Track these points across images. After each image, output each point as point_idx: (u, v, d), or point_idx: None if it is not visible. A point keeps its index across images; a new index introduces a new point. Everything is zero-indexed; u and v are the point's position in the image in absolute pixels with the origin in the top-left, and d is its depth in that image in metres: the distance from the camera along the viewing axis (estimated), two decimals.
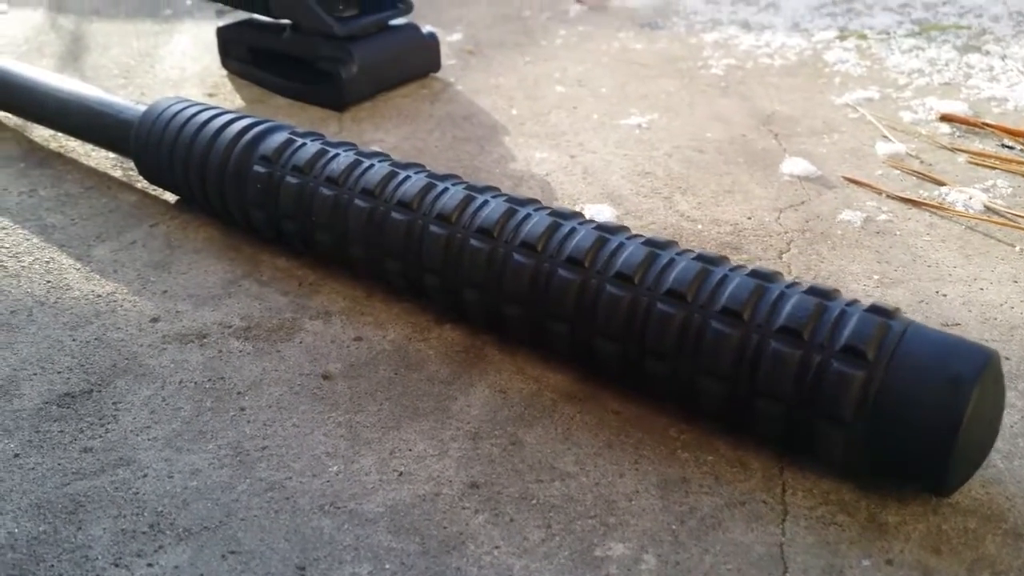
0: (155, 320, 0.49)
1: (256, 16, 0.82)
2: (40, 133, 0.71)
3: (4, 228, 0.58)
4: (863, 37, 0.91)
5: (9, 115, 0.73)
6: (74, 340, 0.48)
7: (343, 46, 0.74)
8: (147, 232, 0.58)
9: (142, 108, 0.61)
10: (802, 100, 0.77)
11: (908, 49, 0.87)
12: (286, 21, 0.78)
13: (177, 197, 0.61)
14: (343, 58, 0.74)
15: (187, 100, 0.60)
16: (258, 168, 0.53)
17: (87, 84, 0.66)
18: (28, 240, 0.57)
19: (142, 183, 0.63)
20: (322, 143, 0.53)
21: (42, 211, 0.60)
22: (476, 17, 0.98)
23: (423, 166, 0.51)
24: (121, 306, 0.50)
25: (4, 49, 0.89)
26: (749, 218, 0.58)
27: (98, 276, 0.53)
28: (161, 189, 0.62)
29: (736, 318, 0.38)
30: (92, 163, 0.66)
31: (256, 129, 0.55)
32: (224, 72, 0.83)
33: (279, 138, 0.53)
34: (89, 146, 0.68)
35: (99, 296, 0.51)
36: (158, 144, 0.57)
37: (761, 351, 0.37)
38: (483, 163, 0.66)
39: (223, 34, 0.82)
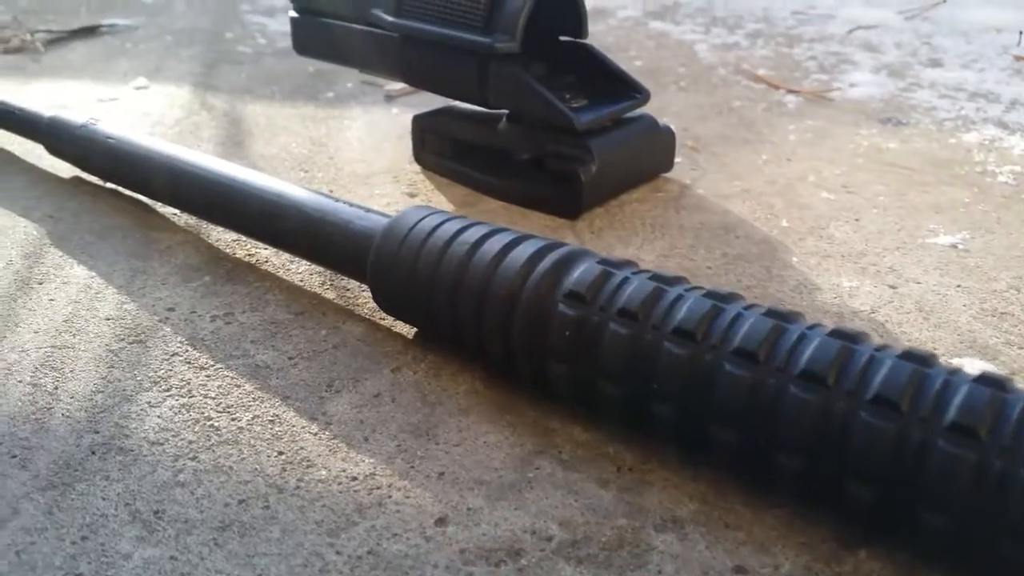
0: (442, 522, 0.36)
1: (458, 103, 0.71)
2: (221, 236, 0.59)
3: (204, 368, 0.45)
4: None
5: (179, 211, 0.62)
6: (339, 554, 0.34)
7: (581, 142, 0.61)
8: (390, 380, 0.44)
9: (378, 218, 0.48)
10: None
11: None
12: (501, 111, 0.66)
13: (414, 329, 0.48)
14: (582, 156, 0.61)
15: (440, 211, 0.47)
16: (565, 309, 0.39)
17: (288, 182, 0.54)
18: (239, 387, 0.44)
19: (364, 308, 0.51)
20: (650, 277, 0.39)
21: (247, 344, 0.47)
22: (681, 107, 0.85)
23: (801, 315, 0.37)
24: (389, 496, 0.37)
25: (154, 130, 0.79)
26: None
27: (344, 446, 0.40)
28: (391, 317, 0.49)
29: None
30: (294, 278, 0.54)
31: (553, 255, 0.42)
32: (417, 167, 0.71)
33: (590, 269, 0.40)
34: (285, 255, 0.56)
35: (355, 479, 0.38)
36: (410, 269, 0.44)
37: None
38: (781, 292, 0.52)
39: (420, 123, 0.71)
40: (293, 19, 0.74)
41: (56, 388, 0.44)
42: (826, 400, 0.33)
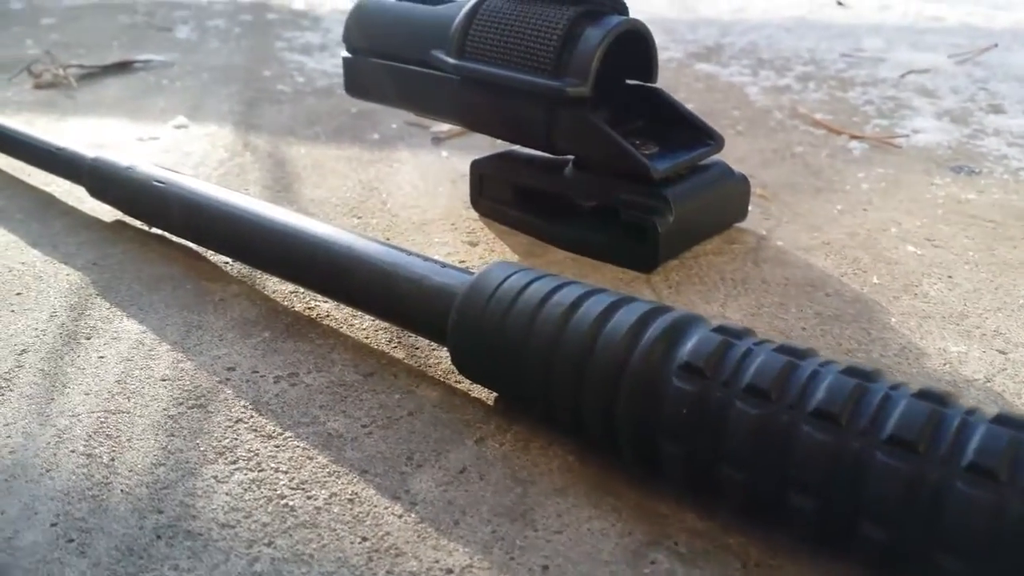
0: None
1: (518, 148, 0.68)
2: (277, 287, 0.56)
3: (272, 437, 0.42)
4: None
5: (232, 260, 0.58)
6: None
7: (657, 191, 0.58)
8: (475, 453, 0.41)
9: (458, 274, 0.45)
10: None
11: None
12: (567, 156, 0.63)
13: (493, 394, 0.45)
14: (658, 206, 0.58)
15: (528, 268, 0.44)
16: (680, 383, 0.36)
17: (352, 232, 0.51)
18: (311, 459, 0.40)
19: (438, 369, 0.47)
20: (777, 349, 0.36)
21: (315, 409, 0.44)
22: (743, 153, 0.82)
23: (954, 396, 0.33)
24: None
25: (197, 172, 0.76)
26: None
27: (434, 531, 0.36)
28: (468, 380, 0.45)
29: None
30: (359, 335, 0.50)
31: (662, 321, 0.38)
32: (474, 213, 0.68)
33: (708, 338, 0.36)
34: (347, 308, 0.53)
35: (450, 572, 0.34)
36: (497, 332, 0.41)
37: None
38: (886, 358, 0.48)
39: (479, 168, 0.67)
40: (346, 60, 0.72)
41: (113, 459, 0.40)
42: (999, 495, 0.29)
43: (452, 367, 0.47)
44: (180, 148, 0.82)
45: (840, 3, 1.60)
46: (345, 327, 0.51)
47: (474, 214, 0.68)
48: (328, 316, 0.53)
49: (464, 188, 0.72)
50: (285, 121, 0.91)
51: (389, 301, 0.47)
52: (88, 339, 0.50)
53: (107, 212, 0.66)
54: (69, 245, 0.62)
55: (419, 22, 0.68)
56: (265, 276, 0.57)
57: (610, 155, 0.59)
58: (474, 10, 0.63)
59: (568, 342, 0.39)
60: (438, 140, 0.86)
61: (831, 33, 1.35)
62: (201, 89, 1.03)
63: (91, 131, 0.88)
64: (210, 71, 1.11)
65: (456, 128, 0.87)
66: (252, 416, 0.43)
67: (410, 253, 0.48)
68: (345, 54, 0.72)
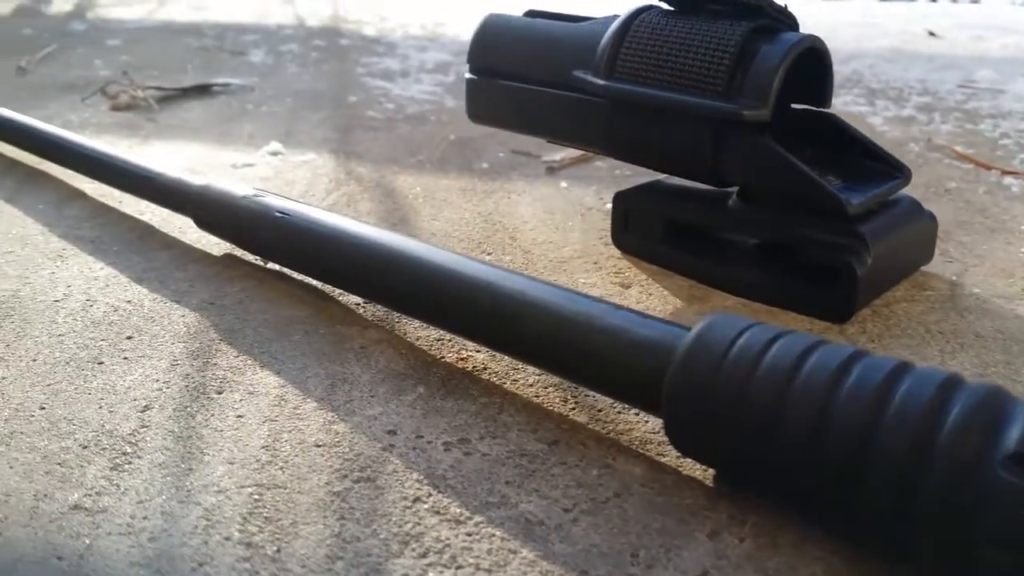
0: None
1: (667, 178, 0.61)
2: (421, 332, 0.49)
3: (460, 521, 0.34)
4: None
5: (366, 301, 0.52)
6: None
7: (851, 228, 0.51)
8: (712, 551, 0.33)
9: (669, 328, 0.38)
10: None
11: None
12: (729, 188, 0.56)
13: (708, 470, 0.37)
14: (853, 246, 0.50)
15: (760, 322, 0.36)
16: (1010, 477, 0.28)
17: (521, 273, 0.44)
18: (514, 552, 0.33)
19: (631, 437, 0.40)
20: None
21: (501, 486, 0.37)
22: None
23: None
24: None
25: (307, 202, 0.69)
26: None
27: None
28: (673, 451, 0.38)
29: None
30: (526, 392, 0.43)
31: (967, 395, 0.30)
32: (615, 251, 0.61)
33: None
34: (504, 359, 0.46)
35: None
36: (736, 401, 0.34)
37: None
38: None
39: (624, 201, 0.60)
40: (470, 81, 0.65)
41: (279, 550, 0.33)
42: None
43: (650, 435, 0.40)
44: (280, 176, 0.76)
45: (932, 34, 1.53)
46: (508, 382, 0.44)
47: (615, 251, 0.61)
48: (486, 369, 0.46)
49: (595, 221, 0.66)
50: (383, 149, 0.85)
51: (575, 356, 0.40)
52: (219, 393, 0.43)
53: (213, 244, 0.60)
54: (179, 281, 0.55)
55: (558, 40, 0.61)
56: (403, 319, 0.50)
57: (793, 187, 0.52)
58: (626, 26, 0.57)
59: (841, 418, 0.31)
60: (552, 170, 0.79)
61: (937, 64, 1.28)
62: (288, 115, 0.97)
63: (177, 156, 0.82)
64: (294, 96, 1.06)
65: (570, 157, 0.81)
66: (431, 493, 0.36)
67: (598, 300, 0.41)
68: (468, 75, 0.65)
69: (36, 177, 0.75)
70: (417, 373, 0.45)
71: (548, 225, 0.66)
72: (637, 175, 0.76)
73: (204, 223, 0.58)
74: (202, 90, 1.07)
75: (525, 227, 0.66)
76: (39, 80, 1.14)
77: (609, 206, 0.69)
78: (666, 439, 0.37)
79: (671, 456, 0.39)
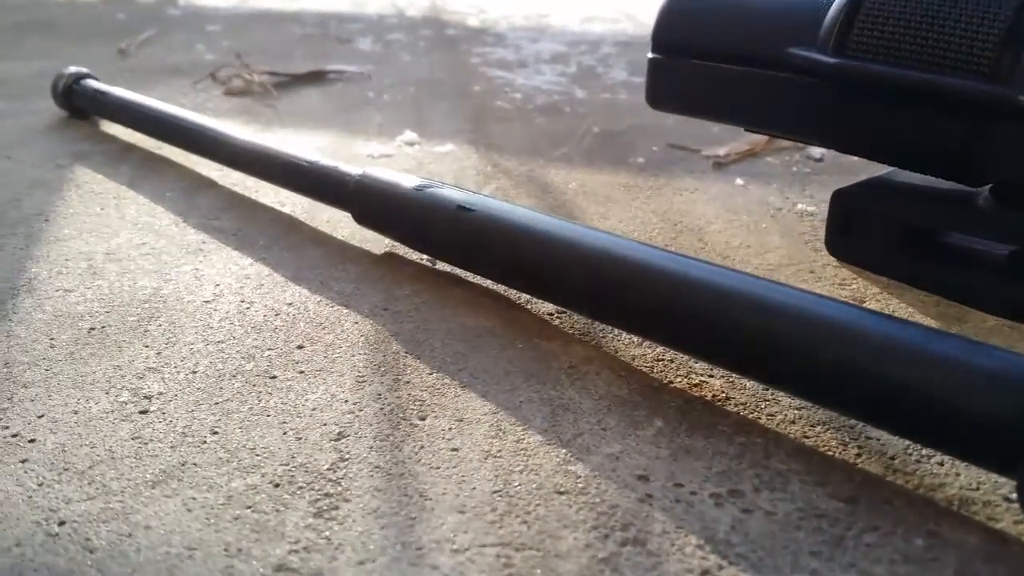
0: None
1: (892, 173, 0.52)
2: (635, 349, 0.41)
3: None
4: None
5: (563, 311, 0.44)
6: None
7: None
8: None
9: (1012, 357, 0.30)
10: None
11: None
12: (978, 187, 0.48)
13: None
14: None
15: None
16: None
17: (779, 281, 0.36)
18: None
19: (951, 496, 0.31)
20: None
21: (805, 557, 0.29)
22: None
23: None
24: None
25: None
26: None
27: None
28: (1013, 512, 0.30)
29: None
30: (789, 429, 0.35)
31: None
32: (828, 258, 0.53)
33: None
34: (749, 384, 0.38)
35: None
36: None
37: None
38: None
39: (846, 201, 0.52)
40: (653, 61, 0.57)
41: None
42: None
43: (968, 492, 0.31)
44: (423, 168, 0.69)
45: None
46: (763, 417, 0.36)
47: (829, 258, 0.53)
48: (728, 399, 0.38)
49: (791, 223, 0.58)
50: (523, 141, 0.78)
51: (890, 393, 0.32)
52: (423, 419, 0.36)
53: (369, 240, 0.53)
54: (340, 283, 0.48)
55: (769, 13, 0.53)
56: (610, 332, 0.42)
57: None
58: None
59: None
60: (719, 165, 0.71)
61: None
62: (414, 104, 0.90)
63: (305, 144, 0.75)
64: (415, 85, 0.99)
65: (736, 151, 0.72)
66: (721, 565, 0.28)
67: (902, 321, 0.33)
68: (651, 54, 0.58)
69: (155, 162, 0.69)
70: (647, 401, 0.37)
71: (737, 227, 0.58)
72: (817, 172, 0.68)
73: (366, 218, 0.52)
74: (316, 76, 1.01)
75: (711, 228, 0.58)
76: (142, 63, 1.09)
77: (801, 206, 0.61)
78: (1007, 501, 0.29)
79: (1007, 521, 0.30)
